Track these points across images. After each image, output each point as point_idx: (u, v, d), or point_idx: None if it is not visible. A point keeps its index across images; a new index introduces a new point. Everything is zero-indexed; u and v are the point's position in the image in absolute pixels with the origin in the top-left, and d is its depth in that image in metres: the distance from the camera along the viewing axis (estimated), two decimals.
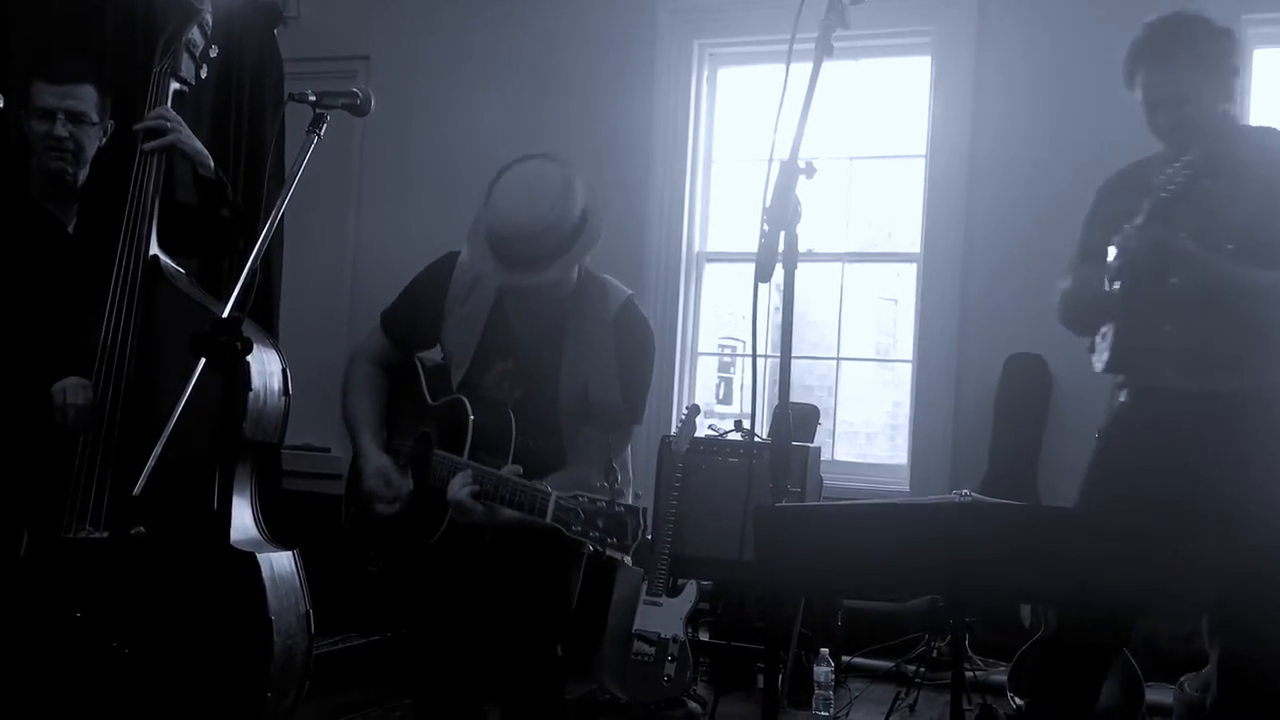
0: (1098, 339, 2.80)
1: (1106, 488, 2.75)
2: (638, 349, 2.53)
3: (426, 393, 2.61)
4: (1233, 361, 2.61)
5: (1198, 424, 2.63)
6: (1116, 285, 2.66)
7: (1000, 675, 3.96)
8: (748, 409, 5.38)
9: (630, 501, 2.56)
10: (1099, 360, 2.79)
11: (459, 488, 2.32)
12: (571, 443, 2.47)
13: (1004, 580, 1.74)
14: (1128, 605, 2.43)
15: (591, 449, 2.44)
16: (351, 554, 2.70)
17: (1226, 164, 2.62)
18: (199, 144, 2.95)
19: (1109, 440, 2.81)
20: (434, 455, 2.51)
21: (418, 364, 2.69)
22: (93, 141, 2.98)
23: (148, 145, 2.86)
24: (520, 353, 2.53)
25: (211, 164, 2.96)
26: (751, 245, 5.24)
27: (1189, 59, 2.62)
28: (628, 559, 2.17)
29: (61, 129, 2.90)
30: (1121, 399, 2.81)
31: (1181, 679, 3.47)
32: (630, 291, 2.58)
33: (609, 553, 2.17)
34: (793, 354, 2.04)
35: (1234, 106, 2.74)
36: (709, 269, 5.30)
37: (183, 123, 2.91)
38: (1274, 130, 2.74)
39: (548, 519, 2.21)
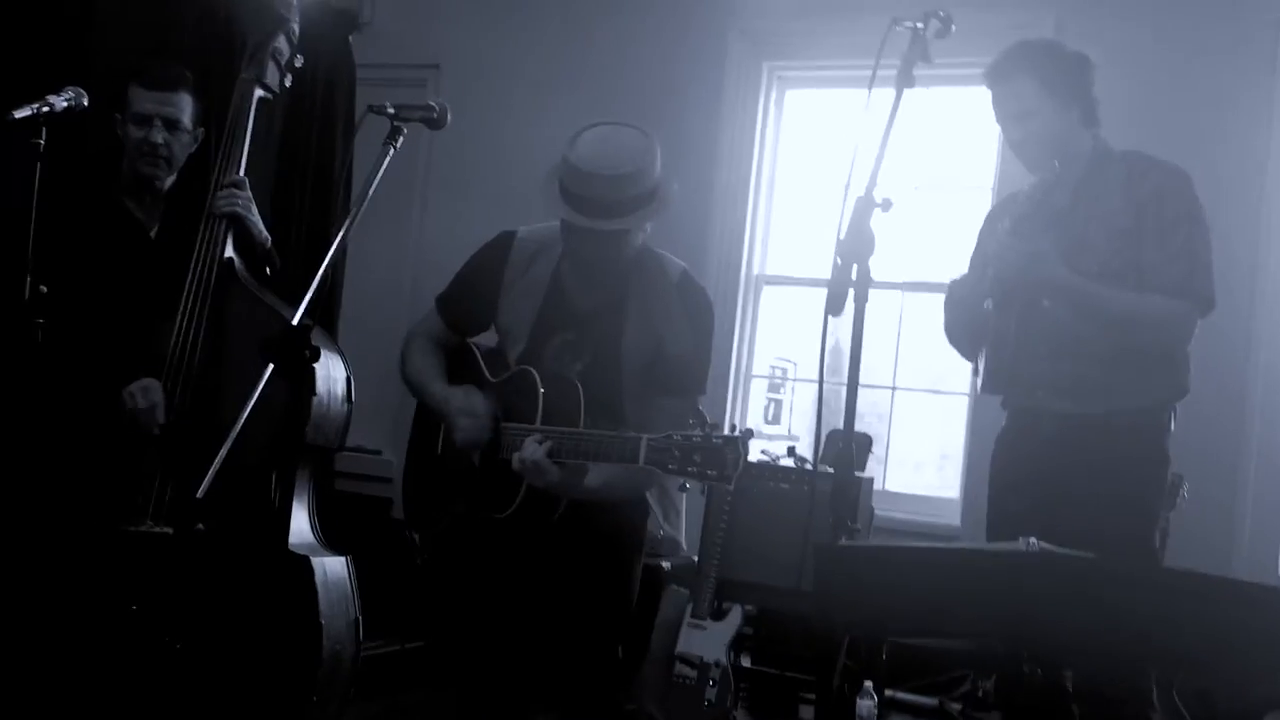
0: (979, 361, 2.84)
1: (996, 512, 2.78)
2: (703, 313, 2.54)
3: (486, 372, 2.61)
4: (1102, 385, 2.63)
5: (1067, 445, 2.64)
6: (989, 305, 2.72)
7: None
8: (797, 430, 5.34)
9: (682, 540, 2.56)
10: (978, 382, 2.85)
11: (531, 448, 2.30)
12: (636, 417, 2.43)
13: (1067, 632, 1.71)
14: (1191, 662, 2.38)
15: (661, 417, 2.38)
16: (404, 530, 2.68)
17: (1090, 187, 2.69)
18: (260, 221, 3.04)
19: (994, 462, 2.85)
20: (503, 428, 2.49)
21: (473, 347, 2.69)
22: (185, 149, 3.04)
23: (216, 209, 2.93)
24: (580, 324, 2.52)
25: (267, 240, 3.05)
26: (810, 269, 5.23)
27: (1028, 77, 2.71)
28: (729, 488, 2.12)
29: (157, 135, 2.95)
30: (1004, 422, 2.84)
31: None
32: (685, 264, 2.58)
33: (709, 485, 2.14)
34: (857, 383, 2.03)
35: (1093, 128, 2.78)
36: (765, 291, 5.28)
37: (251, 199, 3.00)
38: (1141, 154, 2.76)
39: (640, 461, 2.18)
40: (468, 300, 2.64)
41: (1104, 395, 2.63)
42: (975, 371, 2.88)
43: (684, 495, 2.60)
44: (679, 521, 2.60)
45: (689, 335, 2.47)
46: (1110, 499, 2.56)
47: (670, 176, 2.48)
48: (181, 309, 2.83)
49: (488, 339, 2.70)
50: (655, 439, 2.16)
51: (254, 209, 3.01)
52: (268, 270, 3.08)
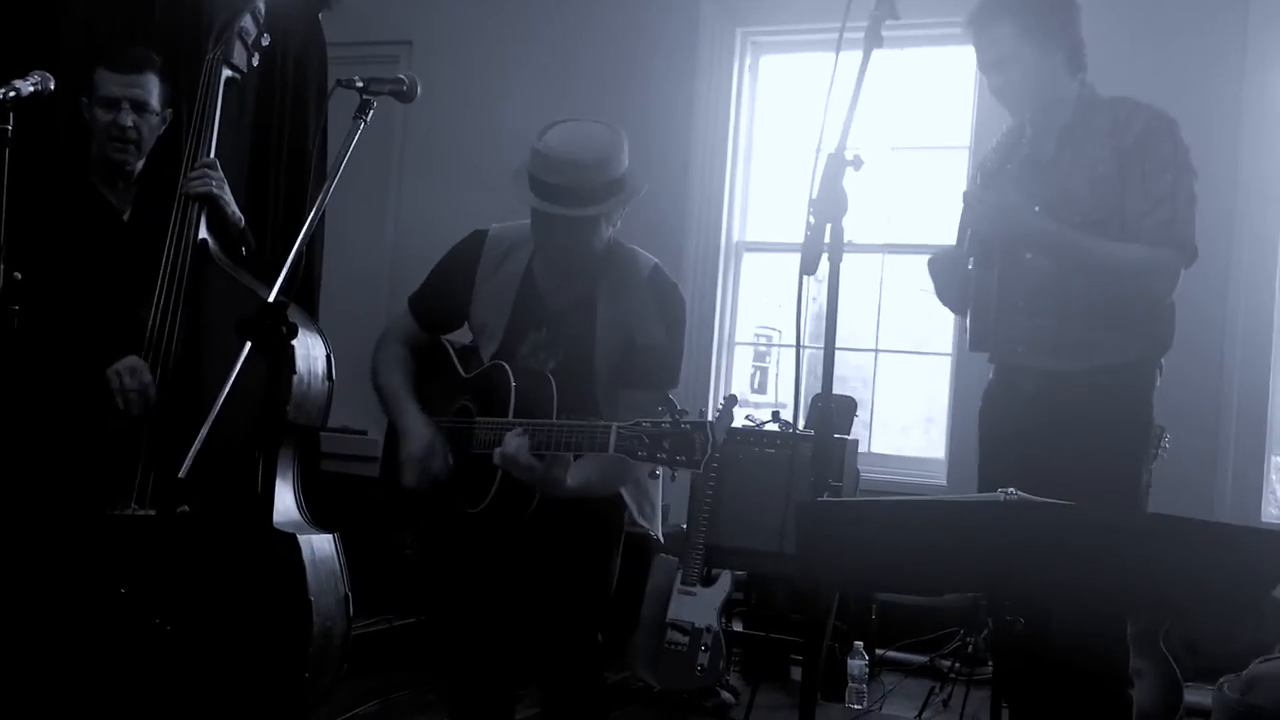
0: (966, 319, 2.83)
1: (986, 469, 2.76)
2: (675, 307, 2.55)
3: (460, 368, 2.62)
4: (1085, 342, 2.61)
5: (1050, 401, 2.63)
6: (970, 264, 2.70)
7: None
8: (783, 398, 5.36)
9: (658, 534, 2.57)
10: (966, 338, 2.82)
11: (514, 443, 2.31)
12: (609, 411, 2.45)
13: (1049, 580, 1.73)
14: (1173, 606, 2.41)
15: (632, 411, 2.38)
16: (387, 532, 2.71)
17: (1076, 135, 2.65)
18: (233, 201, 3.02)
19: (981, 419, 2.84)
20: (476, 422, 2.50)
21: (446, 344, 2.70)
22: (154, 131, 3.02)
23: (188, 190, 2.90)
24: (553, 321, 2.54)
25: (241, 220, 3.03)
26: (790, 235, 5.23)
27: (1007, 21, 2.65)
28: (698, 473, 2.13)
29: (126, 118, 2.93)
30: (990, 376, 2.83)
31: (1221, 680, 3.44)
32: (656, 260, 2.60)
33: (679, 470, 2.16)
34: (834, 344, 2.03)
35: (1078, 74, 2.73)
36: (747, 258, 5.28)
37: (224, 180, 2.98)
38: (1127, 100, 2.71)
39: (610, 448, 2.20)
40: (440, 299, 2.65)
41: (1086, 352, 2.61)
42: (965, 329, 2.87)
43: (659, 487, 2.60)
44: (655, 515, 2.61)
45: (660, 328, 2.48)
46: (1094, 453, 2.54)
47: (639, 170, 2.49)
48: (157, 292, 2.82)
49: (462, 335, 2.72)
50: (624, 426, 2.19)
51: (227, 189, 2.99)
52: (243, 251, 3.07)
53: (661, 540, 2.73)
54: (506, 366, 2.47)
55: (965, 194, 2.73)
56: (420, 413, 2.56)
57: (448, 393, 2.62)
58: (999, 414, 2.77)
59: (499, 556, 2.54)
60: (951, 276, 2.79)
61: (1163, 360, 2.70)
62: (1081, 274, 2.60)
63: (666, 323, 2.50)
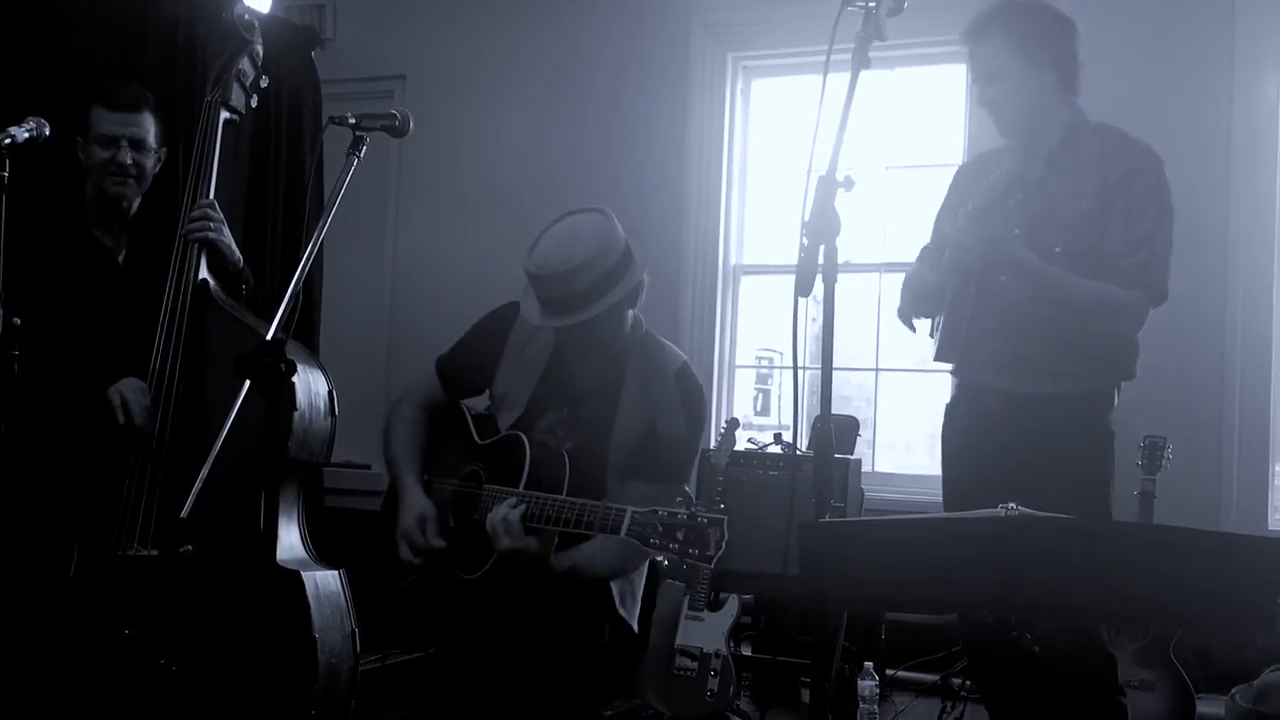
0: (933, 323, 2.83)
1: (951, 484, 2.78)
2: (698, 405, 2.57)
3: (475, 434, 2.62)
4: (1048, 366, 2.63)
5: (1009, 419, 2.64)
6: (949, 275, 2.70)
7: None
8: (786, 421, 5.36)
9: (634, 625, 2.56)
10: (934, 348, 2.83)
11: (505, 511, 2.28)
12: (619, 500, 2.40)
13: (1053, 595, 1.72)
14: (1182, 617, 2.40)
15: (647, 503, 2.33)
16: (385, 584, 2.70)
17: (1062, 160, 2.66)
18: (232, 242, 3.03)
19: (944, 434, 2.85)
20: (485, 489, 2.50)
21: (464, 409, 2.70)
22: (151, 169, 3.04)
23: (189, 234, 2.91)
24: (575, 402, 2.54)
25: (240, 262, 3.04)
26: (788, 257, 5.24)
27: (1001, 36, 2.66)
28: (709, 568, 2.11)
29: (125, 156, 2.95)
30: (953, 393, 2.85)
31: (1233, 690, 3.42)
32: (685, 357, 2.63)
33: (690, 564, 2.14)
34: (831, 364, 2.03)
35: (1070, 96, 2.73)
36: (745, 281, 5.29)
37: (223, 221, 2.99)
38: (1115, 130, 2.72)
39: (623, 532, 2.16)
40: (468, 365, 2.68)
41: (1049, 378, 2.62)
42: (931, 334, 2.86)
43: (642, 579, 2.58)
44: (634, 607, 2.59)
45: (683, 422, 2.49)
46: (1060, 471, 2.54)
47: (644, 243, 2.51)
48: (158, 333, 2.83)
49: (478, 401, 2.73)
50: (640, 512, 2.15)
51: (225, 231, 3.01)
52: (243, 289, 3.08)
53: (636, 630, 2.69)
54: (524, 438, 2.46)
55: (959, 199, 2.74)
56: (419, 488, 2.57)
57: (460, 457, 2.63)
58: (961, 430, 2.79)
59: (490, 628, 2.52)
60: (917, 286, 2.76)
61: (1122, 384, 2.71)
62: (1052, 305, 2.61)
63: (689, 419, 2.51)
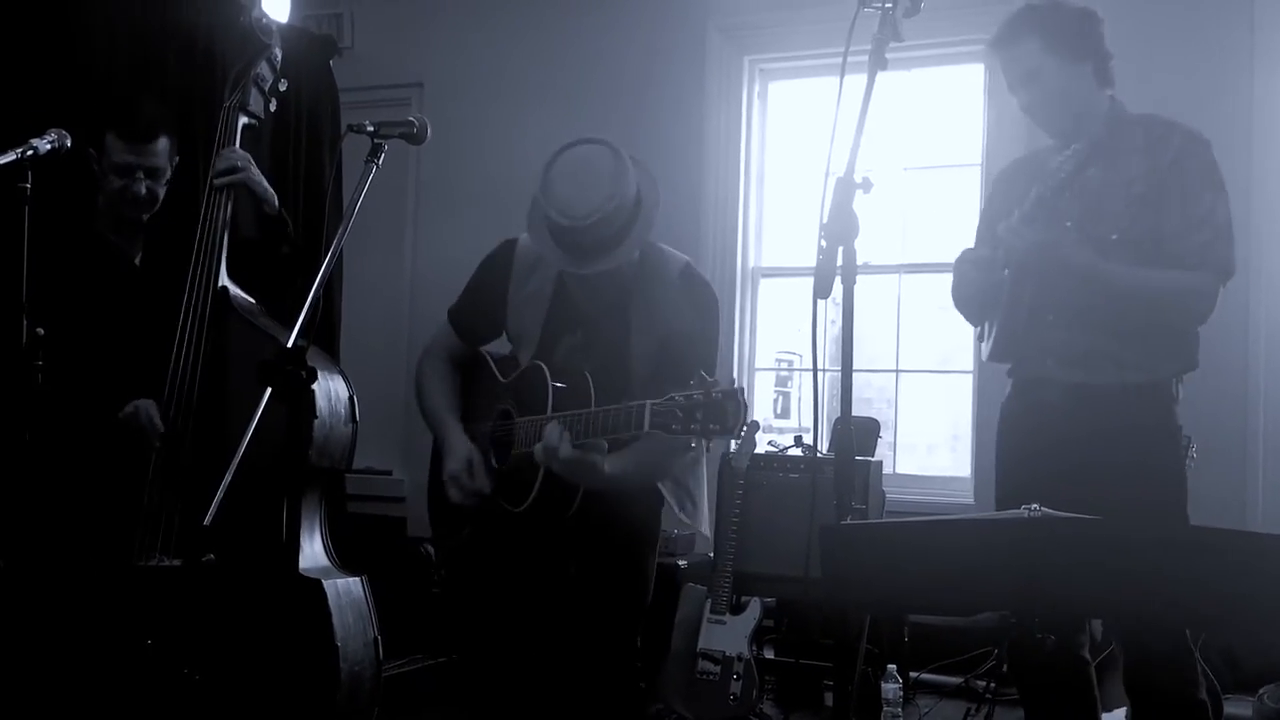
0: (986, 327, 2.80)
1: (1008, 485, 2.74)
2: (706, 299, 2.56)
3: (498, 374, 2.64)
4: (1111, 357, 2.59)
5: (1076, 414, 2.60)
6: (1005, 273, 2.67)
7: None
8: (806, 423, 5.34)
9: (704, 527, 2.56)
10: (985, 348, 2.80)
11: (554, 433, 2.29)
12: None
13: (1076, 596, 1.71)
14: (1208, 618, 2.38)
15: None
16: (441, 540, 2.70)
17: (1108, 150, 2.63)
18: (265, 183, 3.00)
19: (1000, 435, 2.80)
20: (516, 423, 2.52)
21: (485, 354, 2.72)
22: (164, 188, 3.04)
23: (219, 181, 2.92)
24: (588, 324, 2.55)
25: (276, 202, 3.02)
26: (806, 259, 5.21)
27: (1031, 37, 2.64)
28: (735, 443, 2.07)
29: (140, 187, 2.96)
30: (1008, 391, 2.80)
31: (1261, 691, 3.39)
32: (688, 258, 2.61)
33: (714, 441, 2.12)
34: (851, 365, 2.03)
35: (1106, 88, 2.71)
36: (764, 284, 5.28)
37: (251, 160, 2.98)
38: (1157, 117, 2.69)
39: (645, 426, 2.15)
40: (477, 311, 2.69)
41: (1116, 367, 2.59)
42: (980, 338, 2.83)
43: (702, 481, 2.59)
44: (697, 512, 2.59)
45: (692, 316, 2.49)
46: (1136, 470, 2.51)
47: (650, 177, 2.49)
48: (178, 339, 2.84)
49: (500, 345, 2.74)
50: (657, 403, 2.14)
51: (254, 169, 2.98)
52: (285, 249, 3.07)
53: (709, 536, 2.71)
54: (543, 365, 2.48)
55: (1006, 200, 2.72)
56: (460, 429, 2.59)
57: (489, 399, 2.64)
58: (1021, 429, 2.73)
59: (538, 559, 2.54)
60: (978, 278, 2.73)
61: (1185, 377, 2.68)
62: (1112, 299, 2.57)
63: (698, 313, 2.51)
